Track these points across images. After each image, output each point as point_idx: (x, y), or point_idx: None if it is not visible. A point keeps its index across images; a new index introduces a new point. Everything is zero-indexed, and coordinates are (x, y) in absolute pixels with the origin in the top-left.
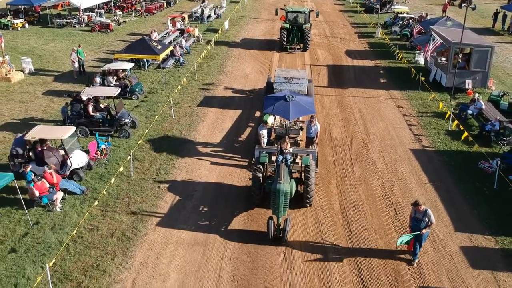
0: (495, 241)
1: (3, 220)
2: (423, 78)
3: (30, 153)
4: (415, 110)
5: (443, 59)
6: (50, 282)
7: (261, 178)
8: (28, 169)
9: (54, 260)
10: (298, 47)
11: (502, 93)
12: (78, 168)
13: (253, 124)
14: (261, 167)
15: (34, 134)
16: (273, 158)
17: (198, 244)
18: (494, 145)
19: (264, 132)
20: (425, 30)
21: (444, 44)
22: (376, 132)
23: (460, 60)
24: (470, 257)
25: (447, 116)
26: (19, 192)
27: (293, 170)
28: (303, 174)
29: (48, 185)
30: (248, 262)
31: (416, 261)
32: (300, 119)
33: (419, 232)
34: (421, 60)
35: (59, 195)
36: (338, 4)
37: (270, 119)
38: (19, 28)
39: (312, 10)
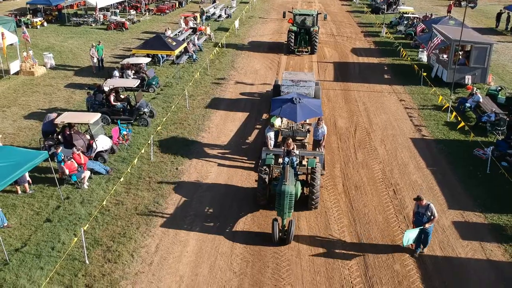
0: (484, 217)
1: (37, 195)
2: (425, 74)
3: (59, 137)
4: (417, 103)
5: (445, 56)
6: (84, 246)
7: (267, 180)
8: (59, 150)
9: (87, 225)
10: (306, 50)
11: (499, 88)
12: (102, 151)
13: (260, 127)
14: (267, 168)
15: (63, 118)
16: (280, 160)
17: (214, 217)
18: (489, 134)
19: (271, 134)
20: (428, 29)
21: (444, 41)
22: (379, 123)
23: (460, 56)
24: (461, 230)
25: (444, 107)
26: (53, 171)
27: (299, 172)
28: (309, 176)
29: (76, 165)
30: (259, 231)
31: (420, 250)
32: (307, 121)
33: (422, 227)
34: (424, 57)
35: (87, 174)
36: (345, 5)
37: (277, 122)
38: (38, 26)
39: (320, 13)
